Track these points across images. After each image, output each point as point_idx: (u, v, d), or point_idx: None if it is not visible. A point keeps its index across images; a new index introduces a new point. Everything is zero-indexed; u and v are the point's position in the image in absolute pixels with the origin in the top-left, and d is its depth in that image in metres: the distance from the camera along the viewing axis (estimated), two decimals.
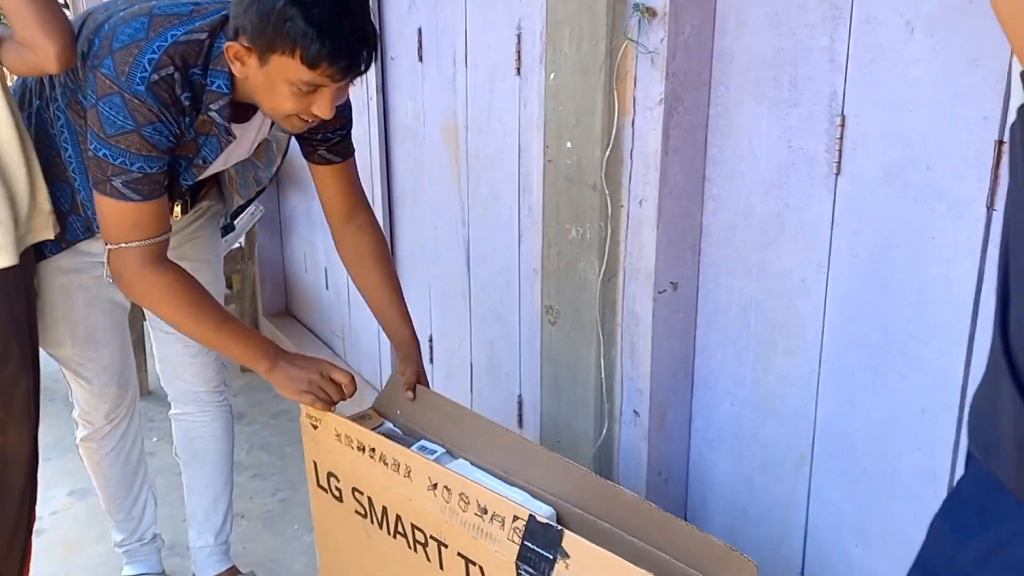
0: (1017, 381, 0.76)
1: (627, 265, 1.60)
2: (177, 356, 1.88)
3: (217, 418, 1.96)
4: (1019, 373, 0.76)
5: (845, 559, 1.50)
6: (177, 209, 1.73)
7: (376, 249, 1.70)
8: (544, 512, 1.38)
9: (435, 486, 1.38)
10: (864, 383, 1.40)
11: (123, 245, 1.44)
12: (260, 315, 3.40)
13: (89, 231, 1.65)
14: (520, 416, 2.15)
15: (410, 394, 1.64)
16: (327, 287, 3.09)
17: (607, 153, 1.54)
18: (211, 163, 1.55)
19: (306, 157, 1.66)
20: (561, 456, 1.43)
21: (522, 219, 2.01)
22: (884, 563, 1.44)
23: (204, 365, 1.90)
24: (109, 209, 1.44)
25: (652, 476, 1.68)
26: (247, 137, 1.61)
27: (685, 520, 1.76)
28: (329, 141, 1.62)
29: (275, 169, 1.79)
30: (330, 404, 1.52)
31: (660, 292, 1.58)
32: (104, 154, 1.39)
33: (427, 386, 1.65)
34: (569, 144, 1.62)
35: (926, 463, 1.34)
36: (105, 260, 1.50)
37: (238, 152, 1.64)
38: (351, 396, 1.53)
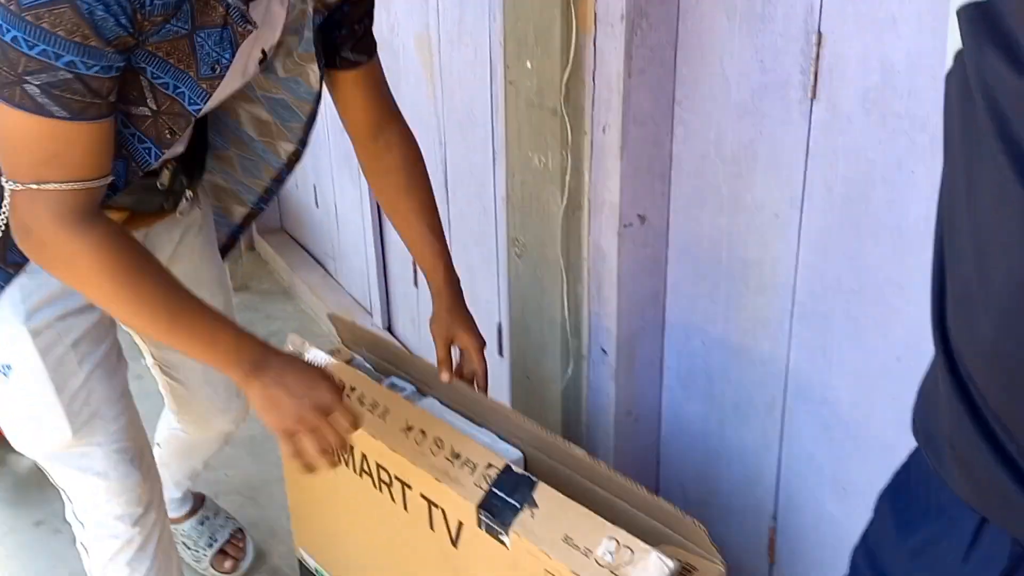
0: (956, 379, 0.66)
1: (592, 197, 1.49)
2: (202, 407, 1.51)
3: (221, 436, 1.66)
4: (959, 371, 0.66)
5: (817, 506, 1.43)
6: (185, 200, 1.30)
7: (407, 173, 1.36)
8: (512, 456, 1.34)
9: (410, 428, 1.35)
10: (837, 328, 1.29)
11: (33, 186, 0.99)
12: (255, 233, 3.33)
13: None
14: (500, 344, 2.08)
15: (445, 376, 1.40)
16: (317, 204, 3.01)
17: (566, 74, 1.40)
18: (226, 69, 1.07)
19: (325, 66, 1.27)
20: (522, 415, 1.36)
21: (496, 142, 1.89)
22: (857, 513, 1.37)
23: (237, 409, 1.56)
24: (14, 125, 0.97)
25: (620, 415, 1.61)
26: (272, 21, 1.14)
27: (656, 463, 1.71)
28: (355, 36, 1.25)
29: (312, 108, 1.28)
30: (319, 460, 1.12)
31: (626, 226, 1.47)
32: (13, 39, 0.91)
33: (476, 353, 1.39)
34: (529, 64, 1.48)
35: (900, 415, 1.24)
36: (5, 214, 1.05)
37: (264, 41, 1.15)
38: (342, 448, 1.15)
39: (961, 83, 0.60)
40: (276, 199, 3.26)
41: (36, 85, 0.94)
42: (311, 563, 1.80)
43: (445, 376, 1.39)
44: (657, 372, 1.62)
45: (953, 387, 0.66)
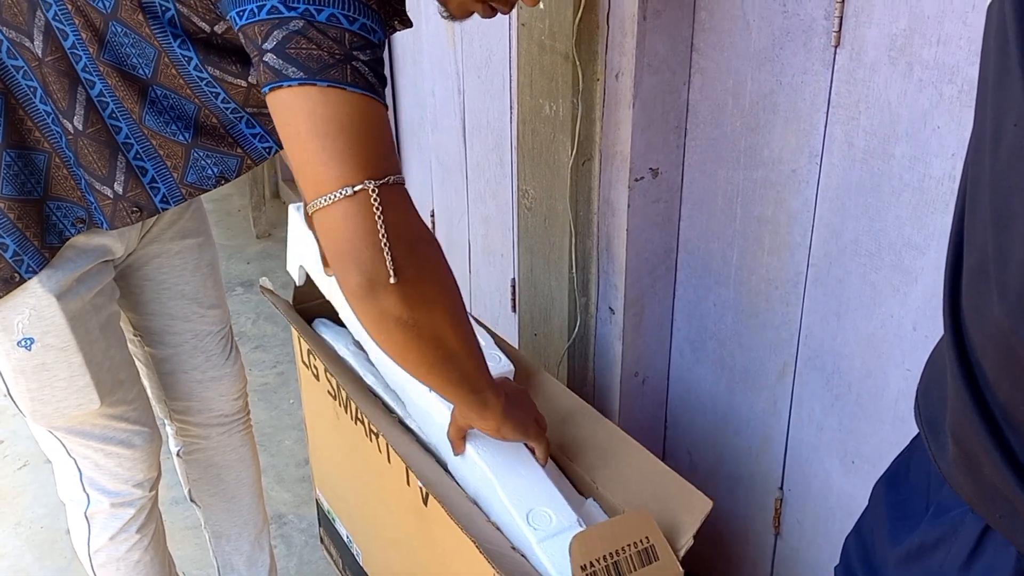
0: (964, 365, 0.58)
1: (603, 147, 1.42)
2: (194, 380, 1.39)
3: (247, 437, 1.52)
4: (968, 356, 0.58)
5: (825, 477, 1.37)
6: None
7: None
8: (504, 367, 1.31)
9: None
10: (853, 292, 1.22)
11: (391, 180, 0.83)
12: (279, 180, 3.31)
13: (83, 221, 1.09)
14: (514, 300, 2.03)
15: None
16: None
17: (579, 15, 1.33)
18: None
19: None
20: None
21: (513, 91, 1.82)
22: (866, 485, 1.31)
23: (232, 377, 1.43)
24: (351, 113, 0.83)
25: (627, 376, 1.56)
26: None
27: (663, 427, 1.66)
28: None
29: None
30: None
31: (637, 179, 1.40)
32: (330, 17, 0.82)
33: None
34: (542, 4, 1.41)
35: (914, 386, 1.18)
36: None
37: None
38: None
39: (1000, 16, 0.52)
40: None
41: (363, 62, 0.84)
42: (325, 506, 1.81)
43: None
44: (666, 334, 1.57)
45: (961, 374, 0.58)
